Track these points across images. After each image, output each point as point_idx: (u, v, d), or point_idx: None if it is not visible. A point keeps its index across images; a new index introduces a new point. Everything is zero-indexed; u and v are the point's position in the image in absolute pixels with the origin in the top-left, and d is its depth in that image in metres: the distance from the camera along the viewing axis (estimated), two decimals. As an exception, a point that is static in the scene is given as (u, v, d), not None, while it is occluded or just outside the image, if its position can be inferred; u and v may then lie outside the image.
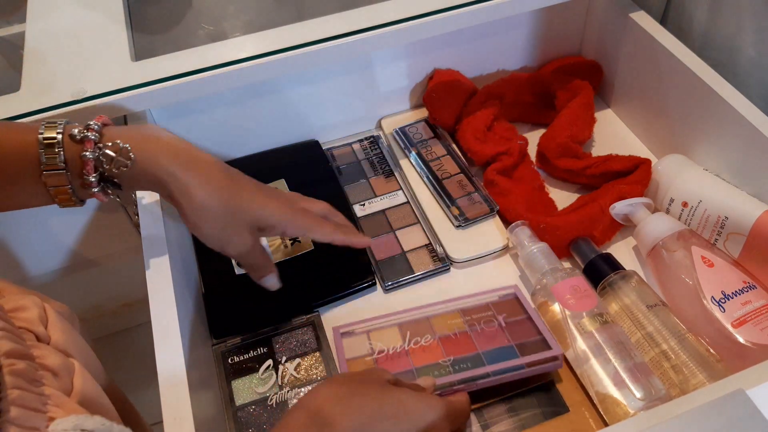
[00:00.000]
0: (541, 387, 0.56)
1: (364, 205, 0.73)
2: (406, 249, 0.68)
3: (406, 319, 0.61)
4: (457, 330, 0.59)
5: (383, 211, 0.72)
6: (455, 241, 0.68)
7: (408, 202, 0.73)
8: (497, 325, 0.59)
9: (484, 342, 0.58)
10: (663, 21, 0.76)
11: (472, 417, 0.54)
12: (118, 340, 0.91)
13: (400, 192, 0.74)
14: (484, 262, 0.67)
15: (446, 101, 0.77)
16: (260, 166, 0.76)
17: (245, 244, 0.53)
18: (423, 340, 0.59)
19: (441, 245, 0.68)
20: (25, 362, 0.40)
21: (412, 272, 0.66)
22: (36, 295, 0.48)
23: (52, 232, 0.70)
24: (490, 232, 0.68)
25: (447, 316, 0.61)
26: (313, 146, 0.79)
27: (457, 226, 0.69)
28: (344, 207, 0.71)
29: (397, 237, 0.70)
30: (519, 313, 0.60)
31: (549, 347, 0.56)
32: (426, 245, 0.68)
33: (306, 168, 0.76)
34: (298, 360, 0.60)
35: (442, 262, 0.67)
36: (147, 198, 0.59)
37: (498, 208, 0.70)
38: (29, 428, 0.36)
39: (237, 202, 0.51)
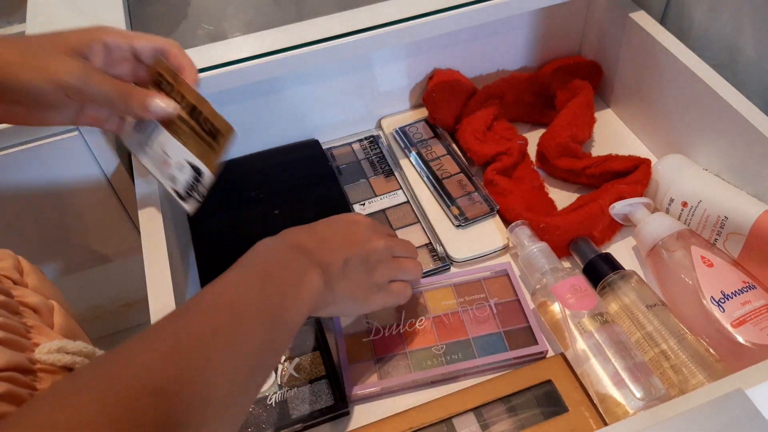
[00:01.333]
0: (540, 387, 0.56)
1: (364, 204, 0.73)
2: None
3: None
4: (450, 311, 0.62)
5: (383, 210, 0.72)
6: (455, 240, 0.68)
7: (408, 201, 0.73)
8: (488, 309, 0.62)
9: (475, 327, 0.61)
10: (663, 21, 0.76)
11: (472, 416, 0.55)
12: (118, 340, 0.91)
13: (400, 191, 0.74)
14: (484, 262, 0.67)
15: (446, 101, 0.78)
16: (260, 166, 0.76)
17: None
18: (417, 323, 0.61)
19: (441, 244, 0.68)
20: (5, 297, 0.41)
21: None
22: (8, 250, 0.49)
23: (52, 232, 0.70)
24: (490, 232, 0.69)
25: (441, 292, 0.64)
26: (312, 146, 0.79)
27: (457, 226, 0.69)
28: (344, 207, 0.71)
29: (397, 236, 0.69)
30: (509, 294, 0.63)
31: (535, 341, 0.59)
32: (426, 245, 0.68)
33: (306, 167, 0.76)
34: (297, 359, 0.60)
35: (443, 262, 0.67)
36: (147, 198, 0.59)
37: (498, 207, 0.70)
38: (17, 350, 0.37)
39: None
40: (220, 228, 0.70)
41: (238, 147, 0.77)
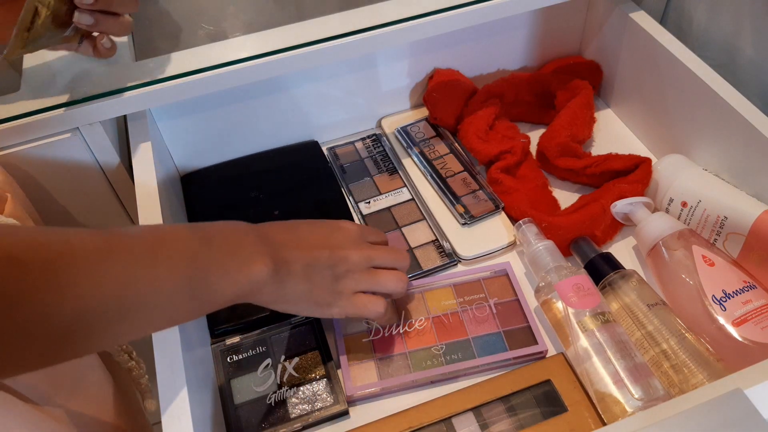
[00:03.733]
0: (539, 386, 0.56)
1: (369, 202, 0.73)
2: (413, 245, 0.68)
3: None
4: (450, 311, 0.62)
5: (388, 208, 0.72)
6: (462, 238, 0.68)
7: (413, 199, 0.73)
8: (488, 308, 0.62)
9: (474, 327, 0.61)
10: (663, 21, 0.76)
11: (471, 416, 0.55)
12: (118, 340, 0.91)
13: (405, 189, 0.74)
14: (491, 259, 0.68)
15: (446, 101, 0.78)
16: (260, 167, 0.76)
17: None
18: (417, 323, 0.61)
19: (448, 241, 0.68)
20: None
21: (420, 268, 0.66)
22: None
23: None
24: (496, 229, 0.69)
25: (440, 292, 0.64)
26: (312, 147, 0.79)
27: (463, 224, 0.69)
28: (344, 207, 0.71)
29: (403, 234, 0.70)
30: (509, 294, 0.63)
31: (535, 341, 0.59)
32: (432, 241, 0.69)
33: (305, 169, 0.76)
34: (297, 358, 0.60)
35: (450, 258, 0.67)
36: (147, 198, 0.59)
37: (503, 205, 0.70)
38: None
39: None
40: None
41: (239, 147, 0.77)
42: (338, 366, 0.59)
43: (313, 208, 0.72)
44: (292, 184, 0.74)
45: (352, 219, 0.71)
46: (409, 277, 0.65)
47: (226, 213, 0.70)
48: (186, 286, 0.43)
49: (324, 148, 0.80)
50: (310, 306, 0.53)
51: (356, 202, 0.73)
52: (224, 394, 0.57)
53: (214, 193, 0.74)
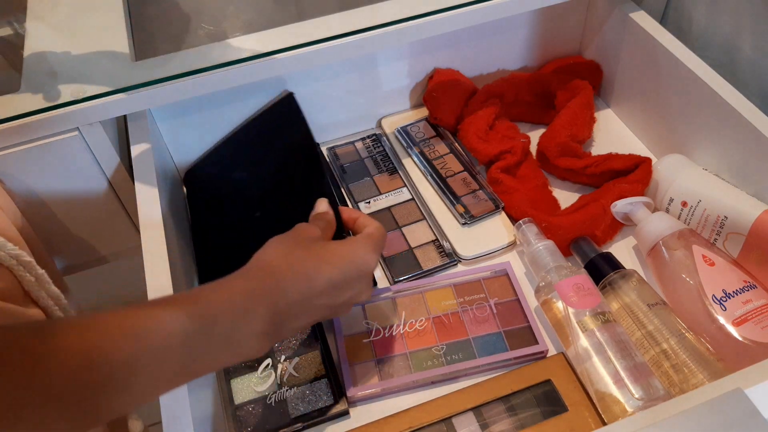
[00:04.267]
0: (540, 386, 0.56)
1: (369, 202, 0.73)
2: (413, 245, 0.68)
3: (401, 294, 0.64)
4: (450, 311, 0.62)
5: (388, 208, 0.72)
6: (462, 238, 0.68)
7: (413, 199, 0.73)
8: (488, 308, 0.62)
9: (474, 327, 0.61)
10: (663, 21, 0.76)
11: (471, 416, 0.55)
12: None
13: (405, 189, 0.74)
14: (491, 259, 0.68)
15: (446, 101, 0.78)
16: (243, 141, 0.73)
17: None
18: (417, 323, 0.61)
19: (448, 240, 0.68)
20: None
21: (420, 268, 0.66)
22: None
23: (52, 232, 0.70)
24: (496, 229, 0.69)
25: (441, 292, 0.64)
26: (287, 101, 0.72)
27: (463, 224, 0.69)
28: (316, 167, 0.67)
29: (403, 233, 0.70)
30: (509, 294, 0.63)
31: (535, 340, 0.59)
32: (432, 241, 0.69)
33: (282, 129, 0.72)
34: (297, 358, 0.60)
35: (450, 258, 0.67)
36: (147, 198, 0.59)
37: (503, 205, 0.70)
38: None
39: None
40: (216, 220, 0.70)
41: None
42: (338, 366, 0.59)
43: (287, 172, 0.68)
44: (269, 151, 0.71)
45: (325, 178, 0.65)
46: (410, 277, 0.66)
47: (220, 200, 0.71)
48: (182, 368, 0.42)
49: (324, 148, 0.80)
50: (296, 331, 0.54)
51: (356, 202, 0.73)
52: (224, 394, 0.57)
53: (210, 188, 0.73)
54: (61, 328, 0.37)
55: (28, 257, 0.55)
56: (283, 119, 0.72)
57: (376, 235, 0.54)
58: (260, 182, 0.70)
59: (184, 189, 0.75)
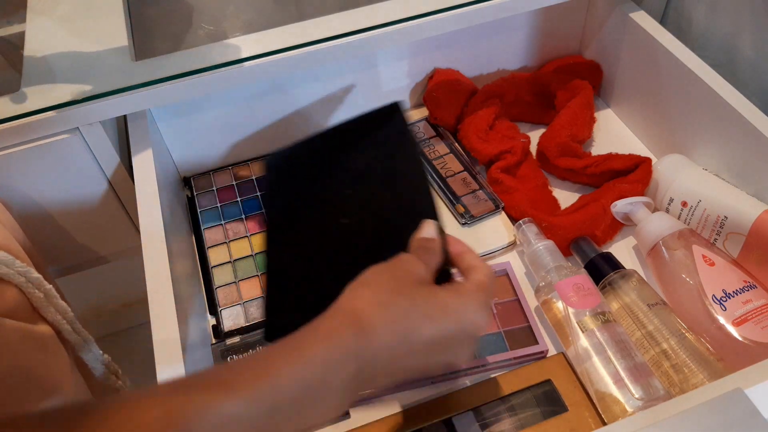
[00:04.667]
0: (540, 386, 0.56)
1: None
2: None
3: None
4: None
5: None
6: (462, 237, 0.66)
7: (413, 199, 0.73)
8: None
9: None
10: (663, 21, 0.76)
11: (471, 416, 0.55)
12: (118, 340, 0.91)
13: (405, 189, 0.74)
14: (491, 259, 0.68)
15: (446, 101, 0.78)
16: (337, 142, 0.64)
17: None
18: None
19: (448, 241, 0.68)
20: None
21: None
22: None
23: (52, 232, 0.70)
24: (497, 229, 0.69)
25: None
26: (392, 110, 0.63)
27: (463, 224, 0.69)
28: (422, 184, 0.59)
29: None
30: (509, 294, 0.63)
31: (535, 340, 0.59)
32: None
33: (382, 137, 0.63)
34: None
35: (450, 258, 0.66)
36: (147, 198, 0.59)
37: (503, 205, 0.70)
38: None
39: None
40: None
41: (239, 147, 0.77)
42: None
43: (387, 183, 0.60)
44: (368, 157, 0.62)
45: (428, 192, 0.56)
46: None
47: (304, 198, 0.61)
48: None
49: (416, 141, 0.72)
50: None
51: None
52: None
53: (293, 177, 0.63)
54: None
55: (35, 273, 0.54)
56: (386, 128, 0.63)
57: (487, 284, 0.46)
58: (354, 188, 0.61)
59: (186, 192, 0.75)
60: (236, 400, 0.34)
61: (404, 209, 0.56)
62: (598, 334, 0.54)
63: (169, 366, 0.47)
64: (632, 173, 0.68)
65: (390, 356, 0.40)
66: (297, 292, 0.55)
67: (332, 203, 0.60)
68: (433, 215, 0.51)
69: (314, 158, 0.63)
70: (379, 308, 0.40)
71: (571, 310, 0.56)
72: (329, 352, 0.38)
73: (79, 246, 0.74)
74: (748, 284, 0.57)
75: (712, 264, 0.58)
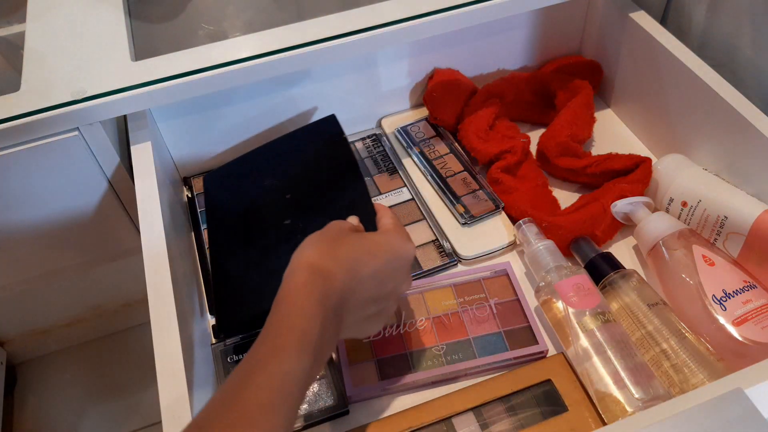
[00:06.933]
0: (540, 386, 0.56)
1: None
2: None
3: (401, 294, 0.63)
4: (450, 311, 0.62)
5: (389, 208, 0.72)
6: (462, 238, 0.68)
7: (413, 199, 0.73)
8: (488, 308, 0.62)
9: (475, 327, 0.61)
10: (663, 21, 0.76)
11: (471, 416, 0.55)
12: (118, 340, 0.92)
13: (405, 189, 0.74)
14: (491, 259, 0.68)
15: (446, 100, 0.78)
16: (275, 153, 0.72)
17: None
18: (417, 323, 0.61)
19: (448, 241, 0.68)
20: None
21: (421, 268, 0.66)
22: None
23: (52, 232, 0.70)
24: (496, 229, 0.69)
25: (441, 292, 0.64)
26: (330, 122, 0.72)
27: (463, 224, 0.69)
28: (359, 184, 0.66)
29: (404, 234, 0.69)
30: (509, 294, 0.63)
31: (535, 340, 0.59)
32: (433, 241, 0.69)
33: (321, 146, 0.71)
34: (297, 359, 0.59)
35: (450, 258, 0.67)
36: (147, 198, 0.59)
37: (503, 204, 0.70)
38: None
39: None
40: (233, 226, 0.67)
41: (239, 147, 0.77)
42: (338, 366, 0.59)
43: (325, 185, 0.67)
44: (305, 164, 0.70)
45: (365, 190, 0.64)
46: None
47: (241, 205, 0.68)
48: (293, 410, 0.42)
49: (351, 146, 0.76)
50: (355, 336, 0.52)
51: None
52: (224, 394, 0.57)
53: (230, 190, 0.71)
54: None
55: None
56: (322, 136, 0.71)
57: (396, 220, 0.56)
58: (292, 192, 0.68)
59: (186, 192, 0.75)
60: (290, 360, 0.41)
61: (342, 204, 0.64)
62: (598, 334, 0.54)
63: (169, 366, 0.47)
64: (632, 173, 0.68)
65: (350, 290, 0.46)
66: (244, 291, 0.61)
67: (273, 208, 0.66)
68: (370, 211, 0.58)
69: (253, 171, 0.71)
70: (327, 256, 0.46)
71: (571, 310, 0.56)
72: (305, 303, 0.44)
73: (79, 246, 0.74)
74: (748, 284, 0.57)
75: (712, 264, 0.58)
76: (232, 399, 0.39)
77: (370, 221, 0.57)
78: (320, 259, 0.46)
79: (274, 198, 0.68)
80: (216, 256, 0.66)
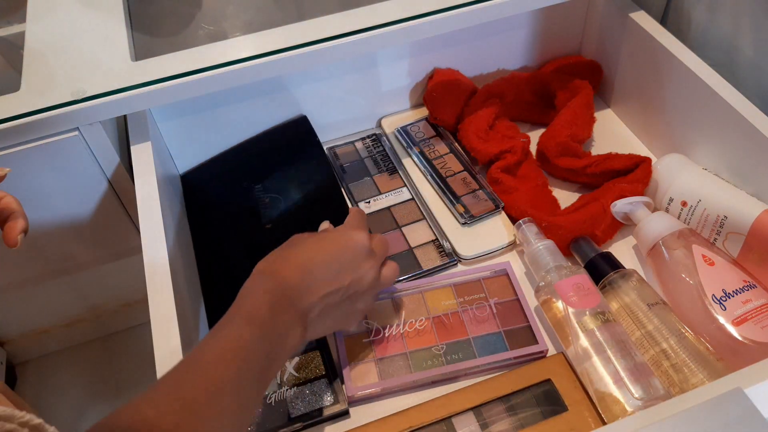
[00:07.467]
0: (540, 386, 0.56)
1: (369, 202, 0.73)
2: (413, 245, 0.69)
3: (401, 294, 0.64)
4: (450, 311, 0.62)
5: (388, 208, 0.73)
6: (462, 238, 0.68)
7: (413, 198, 0.73)
8: (488, 308, 0.62)
9: (475, 327, 0.61)
10: (663, 21, 0.76)
11: (471, 416, 0.55)
12: (118, 340, 0.91)
13: (405, 189, 0.74)
14: (491, 259, 0.68)
15: (446, 100, 0.78)
16: (250, 153, 0.76)
17: None
18: (417, 323, 0.61)
19: (448, 240, 0.68)
20: None
21: (420, 268, 0.66)
22: None
23: (52, 232, 0.70)
24: (496, 229, 0.69)
25: (441, 292, 0.64)
26: (300, 122, 0.77)
27: (463, 224, 0.69)
28: (333, 184, 0.72)
29: (403, 233, 0.70)
30: (509, 294, 0.63)
31: (535, 340, 0.59)
32: (432, 241, 0.69)
33: (294, 147, 0.76)
34: (297, 358, 0.60)
35: (450, 258, 0.67)
36: (147, 198, 0.59)
37: (503, 204, 0.70)
38: None
39: None
40: (216, 225, 0.71)
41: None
42: (338, 366, 0.59)
43: (302, 187, 0.72)
44: (281, 166, 0.73)
45: (339, 191, 0.71)
46: (410, 277, 0.66)
47: (222, 209, 0.71)
48: (261, 382, 0.46)
49: (324, 148, 0.79)
50: (332, 330, 0.56)
51: (356, 202, 0.73)
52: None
53: (209, 191, 0.74)
54: None
55: (37, 419, 0.51)
56: (295, 138, 0.75)
57: (353, 214, 0.59)
58: (271, 196, 0.72)
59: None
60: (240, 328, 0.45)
61: (319, 207, 0.68)
62: (598, 333, 0.54)
63: (170, 366, 0.47)
64: (632, 173, 0.68)
65: (304, 284, 0.49)
66: (233, 292, 0.60)
67: (253, 212, 0.70)
68: (345, 213, 0.61)
69: (229, 171, 0.75)
70: (277, 260, 0.51)
71: (571, 309, 0.56)
72: (251, 294, 0.48)
73: (79, 246, 0.74)
74: (748, 284, 0.57)
75: (712, 264, 0.58)
76: (186, 359, 0.43)
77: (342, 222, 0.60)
78: (268, 264, 0.51)
79: (252, 203, 0.71)
80: (202, 257, 0.68)
